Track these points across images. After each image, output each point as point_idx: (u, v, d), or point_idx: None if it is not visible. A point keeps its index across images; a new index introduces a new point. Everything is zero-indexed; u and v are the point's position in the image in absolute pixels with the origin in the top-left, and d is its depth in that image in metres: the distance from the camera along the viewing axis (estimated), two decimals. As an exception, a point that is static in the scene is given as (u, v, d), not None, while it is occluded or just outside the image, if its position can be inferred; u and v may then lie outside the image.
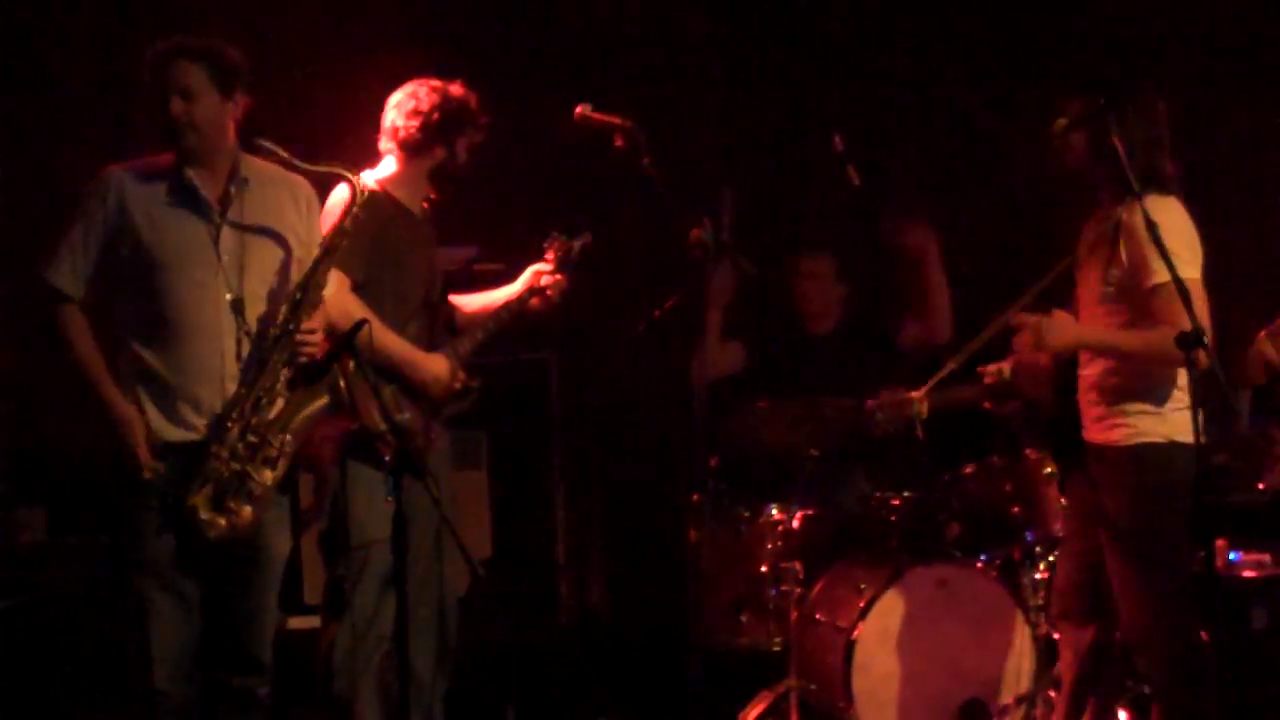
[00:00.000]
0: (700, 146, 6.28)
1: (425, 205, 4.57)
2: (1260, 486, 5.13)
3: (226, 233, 3.93)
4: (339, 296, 4.20)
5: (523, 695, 5.53)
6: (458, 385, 4.50)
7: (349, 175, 4.04)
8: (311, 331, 3.93)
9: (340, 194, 4.23)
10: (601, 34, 6.32)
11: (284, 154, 3.92)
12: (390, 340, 4.37)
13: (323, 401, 3.90)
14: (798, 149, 6.41)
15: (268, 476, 3.85)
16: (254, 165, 4.00)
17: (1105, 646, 4.44)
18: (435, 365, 4.49)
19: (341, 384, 3.87)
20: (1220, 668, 5.20)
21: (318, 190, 4.14)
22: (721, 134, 6.45)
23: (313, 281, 3.94)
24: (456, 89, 4.45)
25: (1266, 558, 5.70)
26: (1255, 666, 5.50)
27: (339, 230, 4.00)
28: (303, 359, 3.91)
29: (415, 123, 4.42)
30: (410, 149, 4.46)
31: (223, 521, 3.80)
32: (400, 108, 4.46)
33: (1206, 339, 3.79)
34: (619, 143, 4.32)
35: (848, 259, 5.93)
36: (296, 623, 5.09)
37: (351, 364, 3.83)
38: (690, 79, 6.44)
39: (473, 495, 5.60)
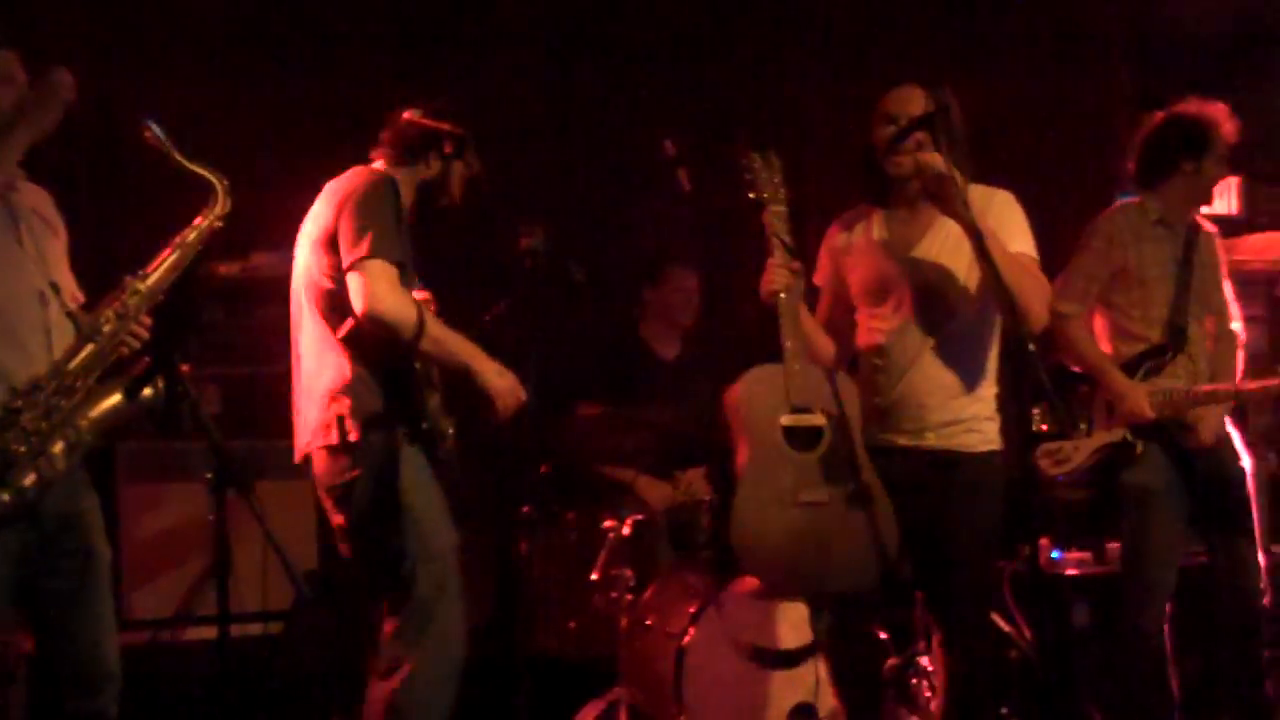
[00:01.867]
0: (529, 154, 6.25)
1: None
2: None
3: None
4: (390, 290, 3.97)
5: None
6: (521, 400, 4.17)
7: (218, 181, 3.90)
8: (143, 325, 3.78)
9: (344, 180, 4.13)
10: (429, 36, 6.25)
11: (167, 144, 3.77)
12: (455, 339, 4.08)
13: (113, 400, 3.75)
14: (627, 155, 6.41)
15: (59, 462, 3.66)
16: None
17: None
18: (507, 376, 4.14)
19: (151, 390, 3.73)
20: (1044, 664, 5.35)
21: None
22: (550, 142, 6.42)
23: (158, 276, 3.81)
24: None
25: (1087, 555, 5.83)
26: (1078, 663, 5.62)
27: (198, 232, 3.87)
28: (122, 351, 3.76)
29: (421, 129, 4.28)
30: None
31: (5, 498, 3.61)
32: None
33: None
34: (448, 149, 4.24)
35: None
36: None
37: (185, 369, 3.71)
38: (519, 85, 6.40)
39: (298, 506, 5.48)
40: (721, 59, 6.82)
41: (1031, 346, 3.82)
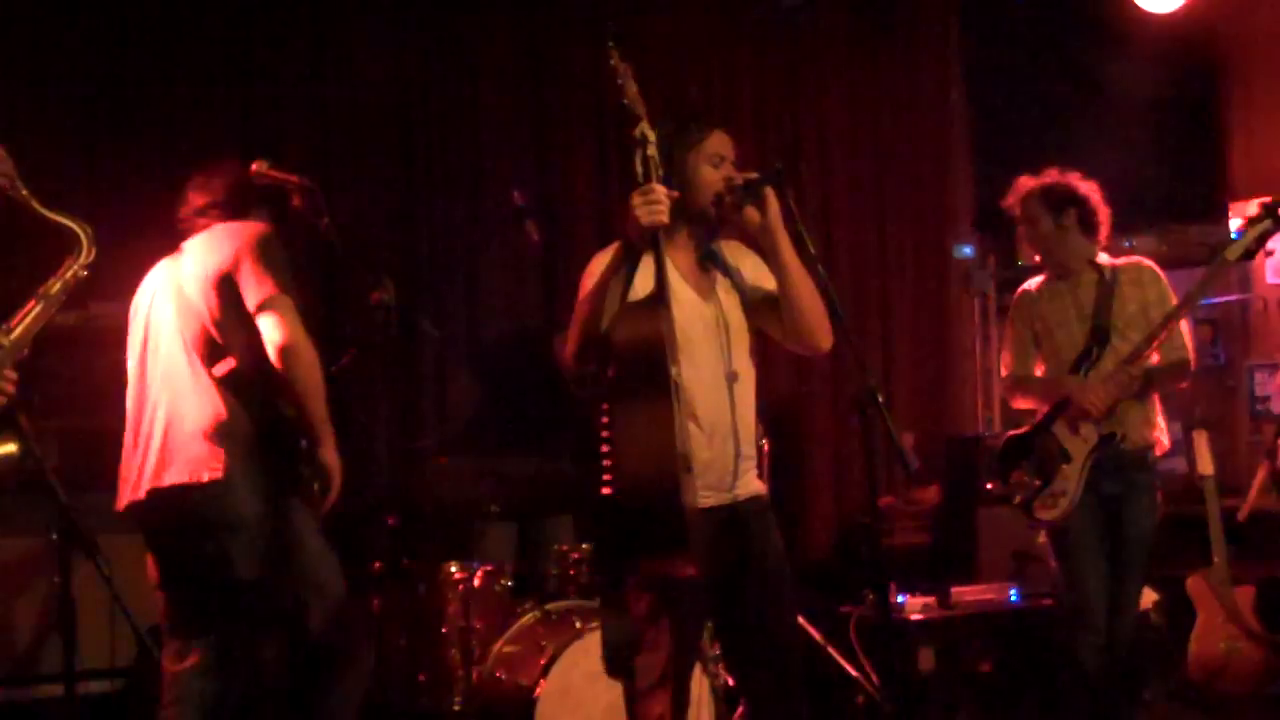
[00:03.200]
0: (379, 208, 6.21)
1: None
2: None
3: None
4: (301, 327, 4.06)
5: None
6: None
7: (82, 230, 3.81)
8: (9, 380, 3.67)
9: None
10: (272, 87, 6.19)
11: (24, 192, 3.68)
12: (322, 400, 4.17)
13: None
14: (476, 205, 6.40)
15: None
16: None
17: None
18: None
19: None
20: (891, 706, 5.42)
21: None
22: (400, 195, 6.39)
23: (23, 329, 3.72)
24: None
25: (932, 600, 5.93)
26: (923, 706, 5.71)
27: (62, 282, 3.78)
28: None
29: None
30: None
31: None
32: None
33: None
34: (296, 202, 4.21)
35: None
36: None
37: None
38: (368, 138, 6.36)
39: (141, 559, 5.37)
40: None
41: (880, 398, 3.89)
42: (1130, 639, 5.16)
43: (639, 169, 3.73)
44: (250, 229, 4.24)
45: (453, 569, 5.31)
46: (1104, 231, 5.31)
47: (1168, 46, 7.47)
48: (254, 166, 4.28)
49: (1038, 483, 5.16)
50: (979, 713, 5.83)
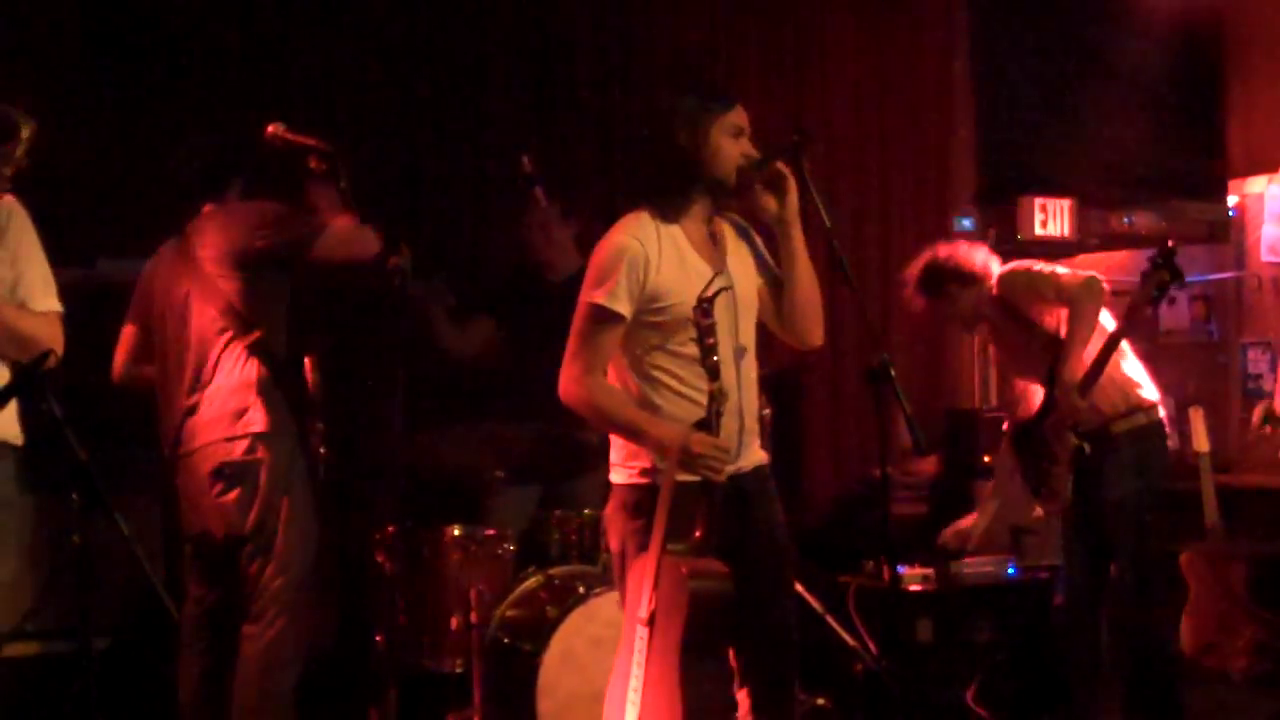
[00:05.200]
0: (394, 171, 6.20)
1: None
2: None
3: None
4: None
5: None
6: None
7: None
8: None
9: None
10: (278, 50, 6.17)
11: None
12: None
13: None
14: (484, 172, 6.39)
15: None
16: None
17: None
18: None
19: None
20: (891, 677, 5.48)
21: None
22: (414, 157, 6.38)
23: None
24: None
25: (930, 571, 5.96)
26: (922, 677, 5.75)
27: None
28: None
29: None
30: None
31: None
32: None
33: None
34: (314, 165, 4.21)
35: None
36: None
37: None
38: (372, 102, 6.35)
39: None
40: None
41: (893, 370, 3.93)
42: (1135, 609, 5.29)
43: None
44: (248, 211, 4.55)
45: (456, 532, 5.33)
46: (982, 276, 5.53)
47: (1170, 21, 7.48)
48: (270, 129, 4.30)
49: (1036, 478, 5.43)
50: (977, 684, 5.86)
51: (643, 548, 3.88)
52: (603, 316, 3.86)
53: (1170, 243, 5.29)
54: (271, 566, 4.70)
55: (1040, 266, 5.44)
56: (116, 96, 5.87)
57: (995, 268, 5.54)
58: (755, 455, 4.06)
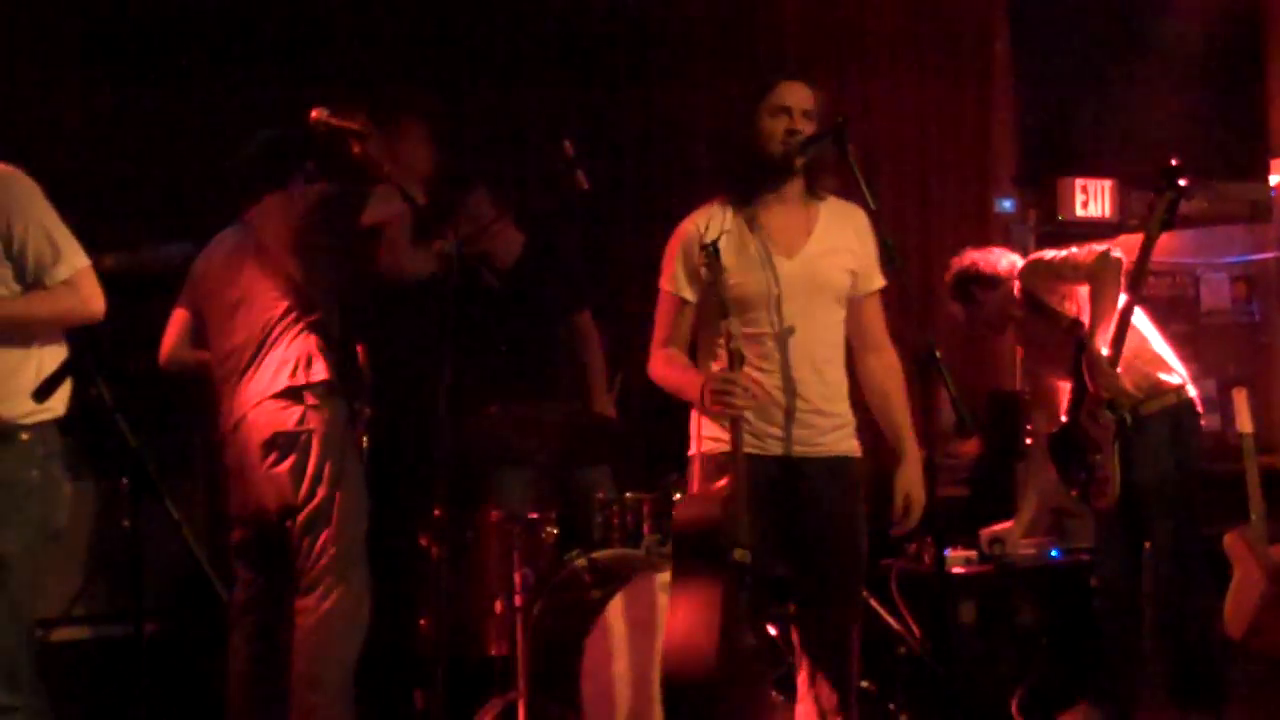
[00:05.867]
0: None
1: None
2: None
3: None
4: None
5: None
6: None
7: None
8: None
9: None
10: (335, 38, 6.19)
11: None
12: None
13: None
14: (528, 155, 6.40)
15: None
16: None
17: None
18: None
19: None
20: (934, 659, 5.47)
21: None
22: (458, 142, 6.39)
23: None
24: None
25: (973, 554, 5.96)
26: (964, 658, 5.74)
27: None
28: None
29: None
30: None
31: None
32: None
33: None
34: (357, 150, 4.22)
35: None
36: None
37: None
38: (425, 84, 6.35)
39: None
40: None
41: (938, 353, 3.93)
42: (1177, 592, 5.29)
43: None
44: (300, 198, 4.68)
45: (499, 516, 5.35)
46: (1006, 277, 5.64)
47: (1209, 1, 7.44)
48: (314, 114, 4.31)
49: (1083, 475, 5.41)
50: (1021, 667, 5.85)
51: None
52: (666, 299, 4.18)
53: (1174, 161, 5.29)
54: (324, 536, 4.72)
55: (1053, 254, 5.52)
56: (159, 84, 5.89)
57: (1016, 259, 5.72)
58: (825, 444, 4.14)
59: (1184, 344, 6.69)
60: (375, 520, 4.91)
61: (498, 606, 5.25)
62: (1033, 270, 5.55)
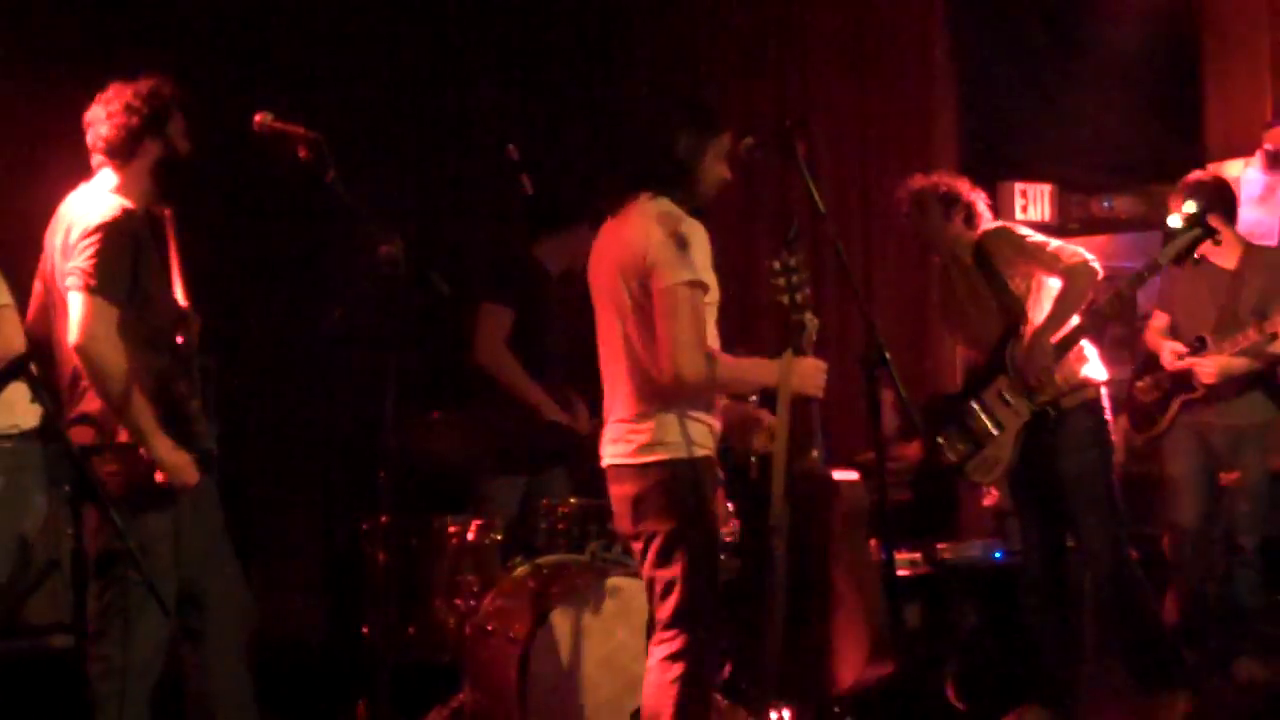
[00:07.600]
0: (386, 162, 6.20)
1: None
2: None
3: None
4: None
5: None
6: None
7: None
8: None
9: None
10: (280, 42, 6.15)
11: None
12: None
13: None
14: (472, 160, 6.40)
15: None
16: None
17: None
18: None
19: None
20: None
21: None
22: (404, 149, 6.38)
23: None
24: (145, 82, 4.24)
25: (918, 556, 5.98)
26: (910, 662, 5.74)
27: None
28: None
29: (120, 124, 4.19)
30: (122, 154, 4.23)
31: None
32: (99, 119, 4.23)
33: None
34: (303, 154, 4.17)
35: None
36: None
37: None
38: (371, 91, 6.34)
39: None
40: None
41: (887, 355, 3.96)
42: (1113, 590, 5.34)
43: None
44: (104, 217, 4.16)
45: (444, 523, 5.32)
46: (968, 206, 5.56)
47: (1148, 7, 7.51)
48: (258, 118, 4.25)
49: (964, 448, 5.44)
50: (965, 667, 5.87)
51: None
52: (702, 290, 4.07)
53: (1201, 203, 5.52)
54: None
55: (1036, 237, 5.50)
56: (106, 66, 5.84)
57: (985, 213, 5.61)
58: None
59: (1121, 347, 6.73)
60: (319, 527, 4.87)
61: (442, 613, 5.23)
62: (1005, 238, 5.50)
